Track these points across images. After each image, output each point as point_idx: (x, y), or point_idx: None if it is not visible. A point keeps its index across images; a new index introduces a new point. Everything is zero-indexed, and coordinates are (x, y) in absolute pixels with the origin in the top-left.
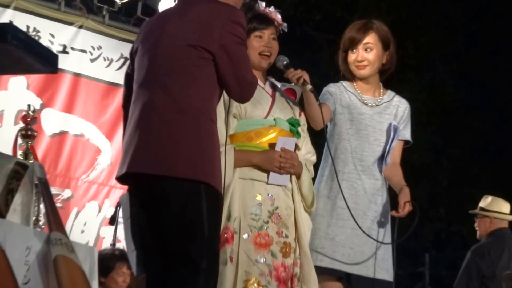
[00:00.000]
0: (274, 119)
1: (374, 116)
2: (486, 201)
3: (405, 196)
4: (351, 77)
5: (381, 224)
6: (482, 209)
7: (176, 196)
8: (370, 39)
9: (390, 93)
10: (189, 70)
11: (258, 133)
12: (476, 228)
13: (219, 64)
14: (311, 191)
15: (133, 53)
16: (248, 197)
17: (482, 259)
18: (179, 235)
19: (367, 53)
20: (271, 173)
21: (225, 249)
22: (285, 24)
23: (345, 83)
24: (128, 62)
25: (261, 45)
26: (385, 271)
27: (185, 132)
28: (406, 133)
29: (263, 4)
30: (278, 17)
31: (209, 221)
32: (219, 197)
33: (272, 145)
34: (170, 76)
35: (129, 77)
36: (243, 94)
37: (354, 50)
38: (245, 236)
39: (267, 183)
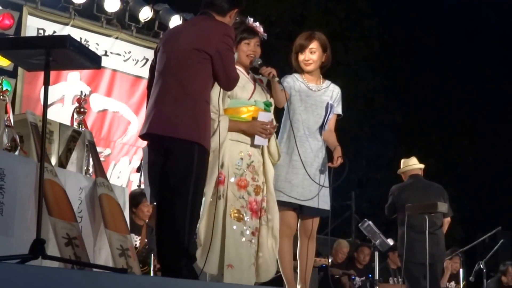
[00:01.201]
0: (255, 101)
1: (316, 98)
2: (402, 163)
3: (338, 152)
4: (300, 71)
5: (322, 172)
6: (400, 169)
7: (177, 151)
8: (314, 45)
9: (327, 82)
10: (194, 65)
11: (243, 109)
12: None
13: (214, 63)
14: (277, 150)
15: (156, 51)
16: (234, 153)
17: (400, 192)
18: (176, 178)
19: (311, 54)
20: (256, 137)
21: (219, 188)
22: (265, 34)
23: (296, 75)
24: (150, 60)
25: (248, 49)
26: (325, 203)
27: (188, 108)
28: (338, 109)
29: (251, 19)
30: (261, 29)
31: (197, 170)
32: (207, 155)
33: (255, 118)
34: (181, 69)
35: (152, 68)
36: (228, 85)
37: (303, 52)
38: (232, 179)
39: (251, 145)
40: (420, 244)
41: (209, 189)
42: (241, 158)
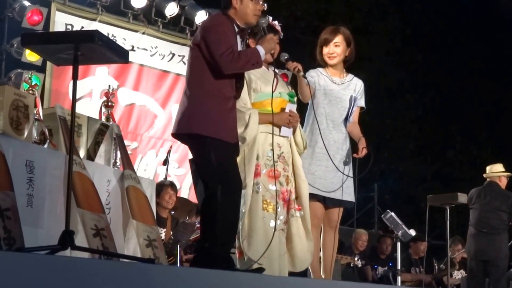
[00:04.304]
0: (279, 93)
1: (340, 91)
2: (487, 168)
3: (362, 143)
4: (324, 65)
5: (345, 163)
6: (486, 173)
7: (192, 146)
8: (338, 39)
9: (350, 75)
10: (192, 60)
11: (269, 102)
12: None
13: (202, 50)
14: (302, 140)
15: None
16: (265, 145)
17: (472, 195)
18: (201, 172)
19: (336, 48)
20: (283, 128)
21: (257, 179)
22: (282, 33)
23: (320, 69)
24: (176, 54)
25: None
26: (349, 194)
27: (200, 104)
28: (361, 102)
29: (271, 18)
30: (279, 28)
31: (216, 160)
32: (225, 145)
33: (283, 109)
34: (189, 67)
35: None
36: (222, 65)
37: (327, 46)
38: (263, 171)
39: (279, 135)
40: (476, 242)
41: (249, 181)
42: (271, 150)
